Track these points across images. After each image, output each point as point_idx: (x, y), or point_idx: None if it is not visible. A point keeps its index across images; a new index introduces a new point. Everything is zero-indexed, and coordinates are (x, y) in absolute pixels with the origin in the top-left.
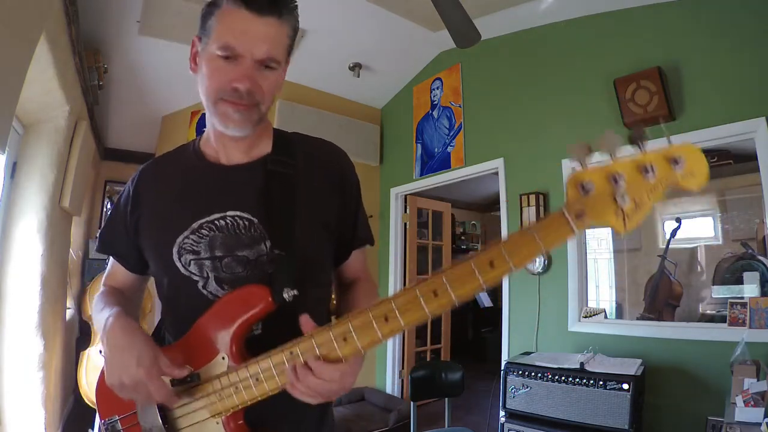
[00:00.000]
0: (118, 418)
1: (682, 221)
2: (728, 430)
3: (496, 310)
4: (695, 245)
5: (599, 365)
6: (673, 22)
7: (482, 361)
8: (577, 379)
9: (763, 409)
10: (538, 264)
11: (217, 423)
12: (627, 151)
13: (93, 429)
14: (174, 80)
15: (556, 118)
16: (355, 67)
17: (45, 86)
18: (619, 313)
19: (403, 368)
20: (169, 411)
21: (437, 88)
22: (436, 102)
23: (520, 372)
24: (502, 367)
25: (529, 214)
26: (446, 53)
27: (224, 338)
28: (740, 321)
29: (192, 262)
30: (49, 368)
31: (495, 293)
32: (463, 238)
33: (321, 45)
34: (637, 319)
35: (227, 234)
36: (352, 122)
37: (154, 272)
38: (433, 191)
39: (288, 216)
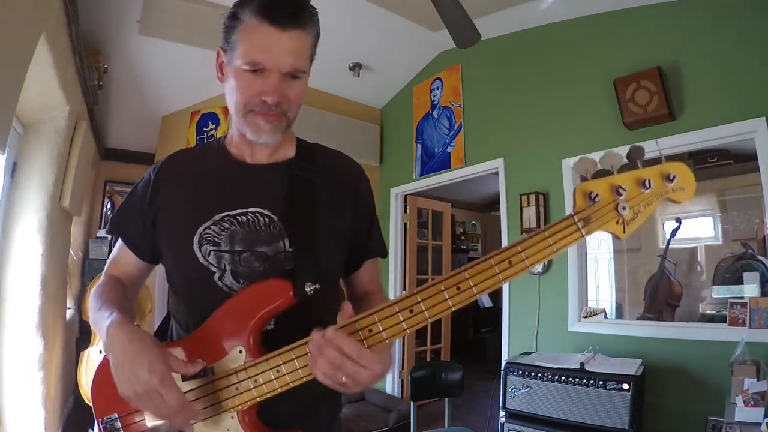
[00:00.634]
0: (117, 416)
1: (682, 221)
2: (728, 430)
3: (496, 310)
4: (695, 245)
5: (599, 365)
6: (673, 22)
7: (482, 361)
8: (577, 379)
9: (763, 409)
10: (538, 264)
11: (232, 417)
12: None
13: (93, 429)
14: (174, 80)
15: (556, 118)
16: (355, 67)
17: (45, 86)
18: (619, 313)
19: (403, 368)
20: None
21: (437, 88)
22: (436, 102)
23: (520, 372)
24: (502, 367)
25: (529, 214)
26: (446, 53)
27: (242, 332)
28: (740, 321)
29: (212, 252)
30: (49, 368)
31: (495, 294)
32: (463, 238)
33: (321, 45)
34: (637, 319)
35: (248, 229)
36: (352, 122)
37: (169, 262)
38: (433, 191)
39: (308, 218)
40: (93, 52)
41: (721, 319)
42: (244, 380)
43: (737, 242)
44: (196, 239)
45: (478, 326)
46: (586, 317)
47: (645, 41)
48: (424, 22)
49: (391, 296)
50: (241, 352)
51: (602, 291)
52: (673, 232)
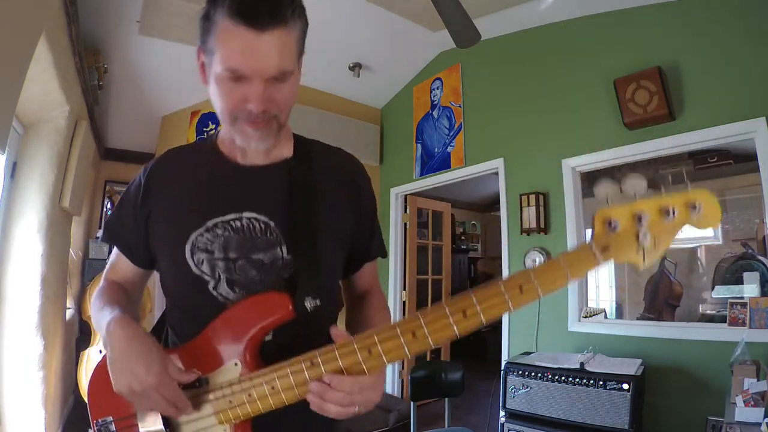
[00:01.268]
0: (112, 419)
1: None
2: (728, 430)
3: None
4: (695, 245)
5: (599, 365)
6: (673, 22)
7: (482, 361)
8: (577, 379)
9: (763, 409)
10: (538, 264)
11: (225, 430)
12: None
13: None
14: (174, 80)
15: (556, 118)
16: (355, 67)
17: (45, 86)
18: (619, 313)
19: (403, 368)
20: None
21: (437, 88)
22: (436, 102)
23: (520, 372)
24: (502, 367)
25: (529, 214)
26: (446, 53)
27: (238, 344)
28: (740, 321)
29: (204, 261)
30: (49, 368)
31: None
32: (463, 238)
33: (321, 45)
34: (637, 319)
35: (242, 236)
36: (352, 122)
37: (163, 269)
38: (433, 191)
39: (308, 223)
40: (93, 52)
41: (721, 319)
42: (237, 393)
43: (737, 242)
44: (188, 247)
45: None
46: (586, 317)
47: (645, 41)
48: (424, 22)
49: (391, 296)
50: (236, 364)
51: (602, 291)
52: None
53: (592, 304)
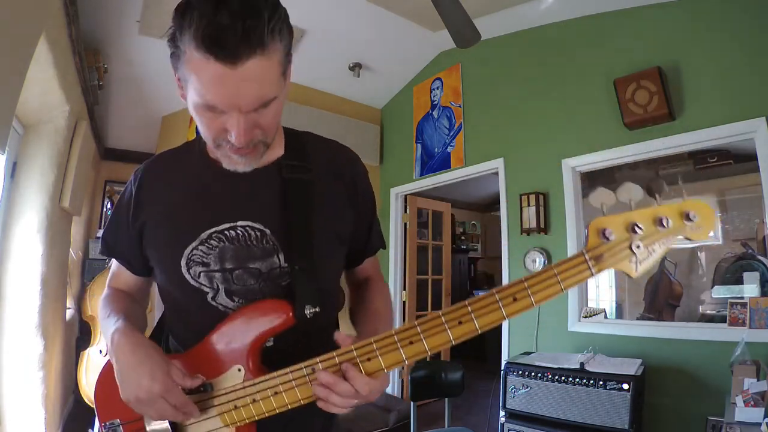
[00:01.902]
0: (120, 422)
1: None
2: (728, 430)
3: None
4: (695, 245)
5: (599, 365)
6: (673, 22)
7: (482, 361)
8: (577, 379)
9: (763, 409)
10: (538, 264)
11: None
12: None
13: (93, 429)
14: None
15: (556, 118)
16: (355, 67)
17: (45, 86)
18: (619, 313)
19: (403, 368)
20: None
21: (437, 88)
22: (436, 102)
23: (520, 372)
24: (502, 367)
25: (529, 214)
26: (446, 53)
27: (241, 350)
28: (740, 321)
29: (202, 274)
30: (49, 368)
31: None
32: (463, 238)
33: (321, 45)
34: (637, 319)
35: (238, 245)
36: (352, 122)
37: (160, 280)
38: (433, 191)
39: (305, 228)
40: (93, 52)
41: (721, 319)
42: (242, 398)
43: (737, 242)
44: (183, 262)
45: None
46: (586, 317)
47: (645, 41)
48: (424, 22)
49: (391, 296)
50: (240, 370)
51: (602, 291)
52: None
53: (592, 304)
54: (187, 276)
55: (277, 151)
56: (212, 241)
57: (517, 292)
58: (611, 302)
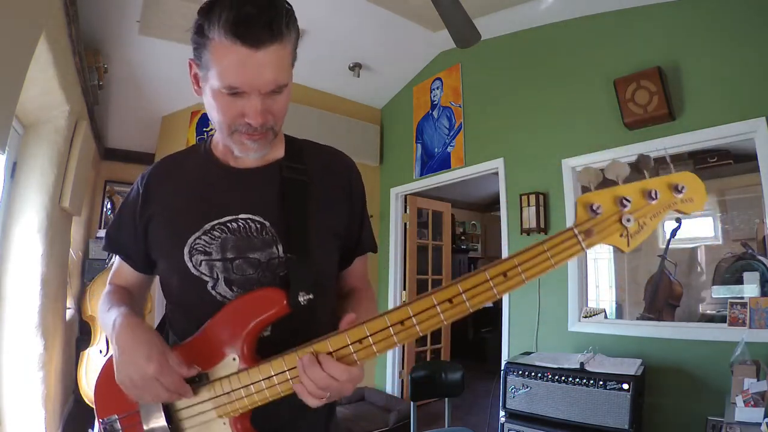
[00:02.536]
0: (117, 417)
1: (682, 221)
2: (728, 430)
3: (496, 310)
4: (695, 245)
5: (599, 365)
6: (673, 22)
7: (482, 361)
8: (577, 379)
9: (763, 409)
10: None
11: (224, 423)
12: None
13: (93, 429)
14: (174, 80)
15: (556, 118)
16: (355, 67)
17: (45, 86)
18: (619, 313)
19: (403, 368)
20: (174, 411)
21: (437, 88)
22: (436, 102)
23: (520, 372)
24: (502, 367)
25: (529, 214)
26: (446, 53)
27: (236, 340)
28: (740, 321)
29: (203, 262)
30: (49, 368)
31: None
32: (463, 238)
33: (321, 45)
34: (637, 319)
35: (239, 236)
36: (352, 122)
37: (163, 271)
38: (433, 191)
39: (302, 222)
40: (93, 52)
41: (721, 319)
42: (236, 388)
43: (737, 242)
44: (186, 250)
45: (478, 326)
46: (586, 317)
47: (645, 41)
48: (424, 22)
49: (391, 296)
50: (234, 359)
51: (602, 291)
52: (673, 232)
53: (592, 304)
54: (189, 264)
55: (279, 152)
56: (215, 232)
57: (508, 270)
58: (611, 302)
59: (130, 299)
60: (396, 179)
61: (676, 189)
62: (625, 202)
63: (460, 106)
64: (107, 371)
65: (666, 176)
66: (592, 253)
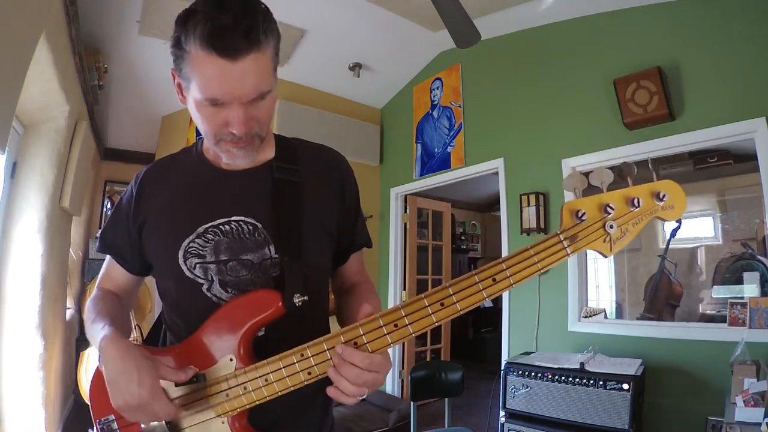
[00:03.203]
0: (114, 418)
1: (682, 221)
2: (728, 430)
3: (496, 310)
4: (695, 245)
5: (599, 365)
6: (673, 22)
7: (482, 361)
8: (577, 379)
9: (763, 409)
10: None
11: (223, 423)
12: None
13: (93, 429)
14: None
15: (556, 118)
16: (355, 67)
17: (45, 86)
18: (619, 313)
19: (403, 368)
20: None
21: (437, 88)
22: (436, 102)
23: (520, 372)
24: (502, 367)
25: (529, 214)
26: (446, 53)
27: (232, 340)
28: (740, 321)
29: (197, 265)
30: (49, 368)
31: None
32: (463, 238)
33: (321, 45)
34: (637, 319)
35: (232, 238)
36: (352, 122)
37: (158, 274)
38: (433, 191)
39: (294, 222)
40: (93, 52)
41: (721, 319)
42: (234, 387)
43: (737, 242)
44: (180, 254)
45: (478, 326)
46: (586, 317)
47: (645, 41)
48: (424, 22)
49: (391, 296)
50: (231, 360)
51: (602, 291)
52: (673, 232)
53: (592, 304)
54: (184, 267)
55: (269, 153)
56: (208, 235)
57: (497, 274)
58: (611, 302)
59: (118, 307)
60: (396, 179)
61: (658, 197)
62: (609, 209)
63: (460, 106)
64: (101, 373)
65: (648, 184)
66: (592, 253)
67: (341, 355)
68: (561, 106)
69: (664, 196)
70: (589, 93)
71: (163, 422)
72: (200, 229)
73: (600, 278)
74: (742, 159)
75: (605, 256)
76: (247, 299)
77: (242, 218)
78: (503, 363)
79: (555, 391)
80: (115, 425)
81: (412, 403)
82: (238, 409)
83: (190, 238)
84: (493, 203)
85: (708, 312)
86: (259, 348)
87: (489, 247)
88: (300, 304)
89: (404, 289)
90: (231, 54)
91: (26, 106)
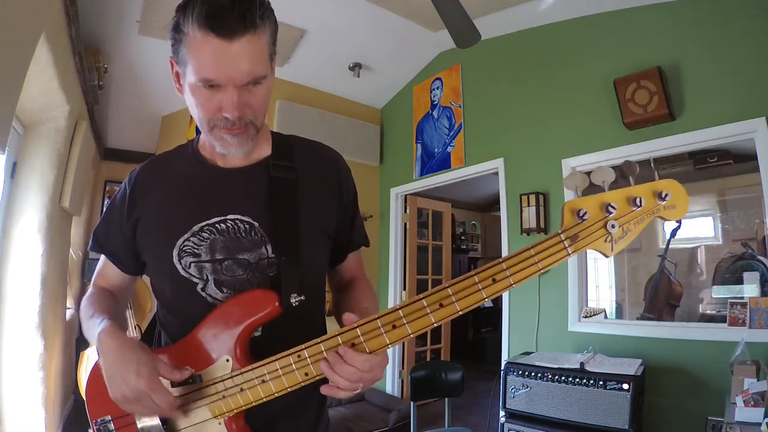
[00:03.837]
0: (110, 418)
1: (683, 221)
2: (728, 430)
3: (496, 310)
4: (695, 245)
5: (599, 365)
6: (673, 22)
7: (482, 361)
8: (577, 379)
9: (763, 409)
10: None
11: (219, 423)
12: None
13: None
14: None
15: (556, 118)
16: (355, 67)
17: (45, 86)
18: (619, 313)
19: (403, 368)
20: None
21: (437, 88)
22: (436, 102)
23: (520, 372)
24: (502, 367)
25: (529, 214)
26: (446, 53)
27: (229, 341)
28: (740, 321)
29: (192, 264)
30: (49, 368)
31: None
32: (463, 238)
33: (321, 45)
34: (637, 319)
35: (228, 237)
36: (352, 122)
37: (153, 273)
38: (433, 191)
39: (291, 221)
40: (93, 52)
41: (721, 319)
42: (230, 388)
43: (737, 242)
44: (175, 252)
45: (478, 326)
46: (586, 317)
47: (645, 41)
48: (424, 22)
49: (391, 296)
50: (228, 360)
51: (602, 291)
52: (673, 232)
53: (592, 304)
54: (178, 266)
55: (265, 150)
56: (204, 234)
57: (496, 274)
58: (611, 302)
59: (114, 304)
60: (396, 179)
61: (660, 196)
62: (610, 208)
63: (460, 106)
64: (97, 372)
65: (650, 183)
66: (592, 252)
67: (343, 356)
68: (561, 106)
69: (666, 195)
70: (589, 93)
71: (160, 423)
72: (195, 228)
73: (600, 278)
74: (742, 159)
75: (606, 256)
76: (244, 299)
77: (238, 217)
78: (503, 363)
79: (555, 391)
80: (111, 426)
81: (412, 403)
82: (235, 410)
83: (185, 236)
84: (493, 203)
85: (708, 312)
86: (256, 348)
87: (489, 247)
88: (297, 304)
89: (404, 289)
90: (227, 34)
91: (26, 106)
